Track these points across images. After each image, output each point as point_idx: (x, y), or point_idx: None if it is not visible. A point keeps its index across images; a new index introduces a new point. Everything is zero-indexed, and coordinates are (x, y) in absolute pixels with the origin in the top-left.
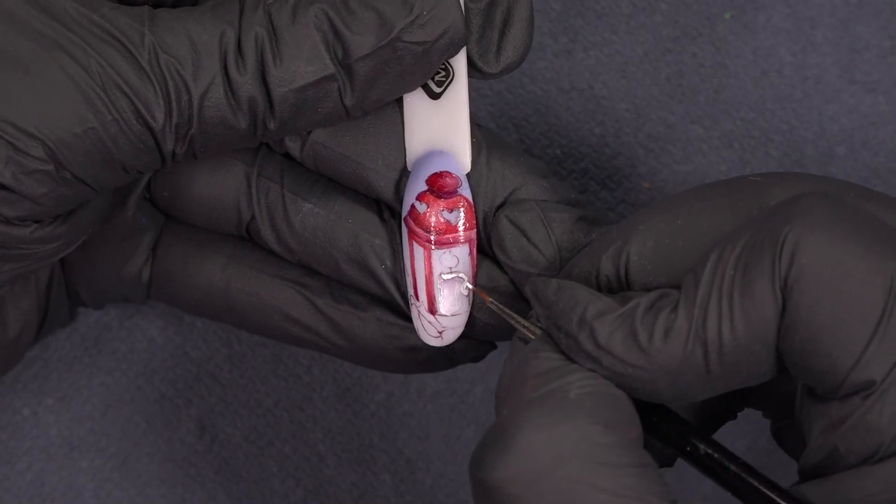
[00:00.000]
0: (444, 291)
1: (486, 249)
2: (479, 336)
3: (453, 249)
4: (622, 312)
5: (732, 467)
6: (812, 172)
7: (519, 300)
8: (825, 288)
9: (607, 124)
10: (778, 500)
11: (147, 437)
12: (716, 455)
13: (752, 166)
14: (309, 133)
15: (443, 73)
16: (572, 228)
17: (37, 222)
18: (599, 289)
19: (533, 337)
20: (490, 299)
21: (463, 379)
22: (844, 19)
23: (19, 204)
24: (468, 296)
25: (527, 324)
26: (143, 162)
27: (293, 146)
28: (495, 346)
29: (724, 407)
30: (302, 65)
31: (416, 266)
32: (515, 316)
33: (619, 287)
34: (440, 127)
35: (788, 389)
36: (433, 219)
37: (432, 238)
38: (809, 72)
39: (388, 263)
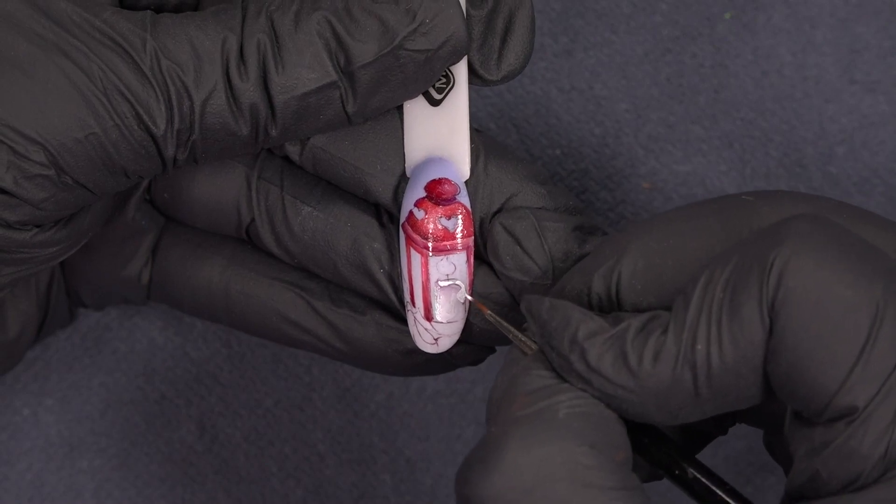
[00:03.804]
0: (440, 298)
1: (483, 256)
2: (476, 341)
3: (451, 256)
4: (613, 334)
5: (720, 493)
6: (812, 172)
7: (514, 309)
8: (811, 312)
9: (607, 124)
10: None
11: (147, 437)
12: (704, 480)
13: (752, 166)
14: (308, 137)
15: (443, 80)
16: (566, 238)
17: (37, 226)
18: (591, 307)
19: (528, 350)
20: (488, 311)
21: (463, 379)
22: (844, 19)
23: (20, 208)
24: (464, 303)
25: (523, 337)
26: (144, 167)
27: (293, 150)
28: (494, 351)
29: (714, 425)
30: (304, 72)
31: (413, 272)
32: (512, 329)
33: (610, 306)
34: (440, 134)
35: (778, 409)
36: (431, 225)
37: (430, 245)
38: (809, 72)
39: (387, 267)
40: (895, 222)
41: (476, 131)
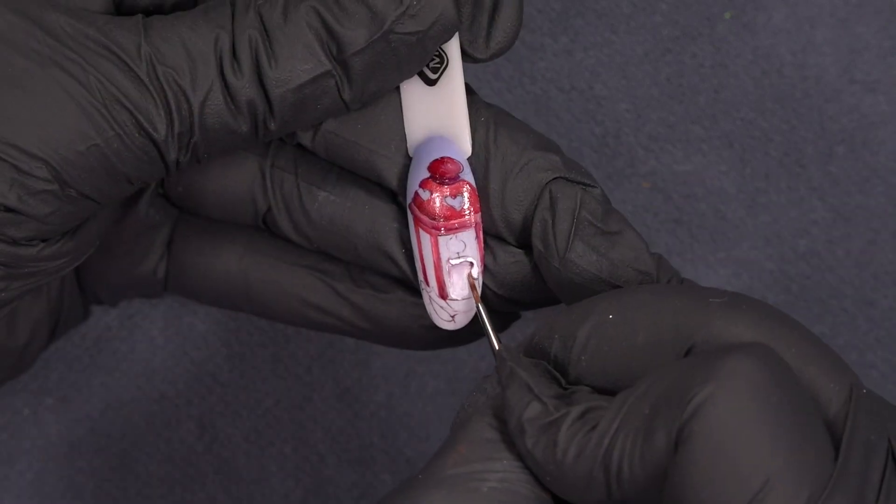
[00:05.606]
0: (453, 277)
1: (490, 231)
2: (497, 308)
3: (460, 234)
4: (552, 420)
5: None
6: (812, 172)
7: (527, 286)
8: (704, 463)
9: (607, 124)
10: None
11: (147, 437)
12: None
13: (752, 166)
14: (320, 123)
15: (437, 60)
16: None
17: (44, 241)
18: (550, 361)
19: (498, 357)
20: (479, 302)
21: (463, 379)
22: (844, 19)
23: (26, 224)
24: (478, 279)
25: (495, 342)
26: (147, 173)
27: (305, 136)
28: (518, 317)
29: None
30: (297, 64)
31: (424, 252)
32: (492, 337)
33: (565, 368)
34: (438, 113)
35: None
36: (437, 205)
37: (437, 224)
38: (809, 72)
39: (408, 246)
40: (846, 367)
41: (487, 105)
